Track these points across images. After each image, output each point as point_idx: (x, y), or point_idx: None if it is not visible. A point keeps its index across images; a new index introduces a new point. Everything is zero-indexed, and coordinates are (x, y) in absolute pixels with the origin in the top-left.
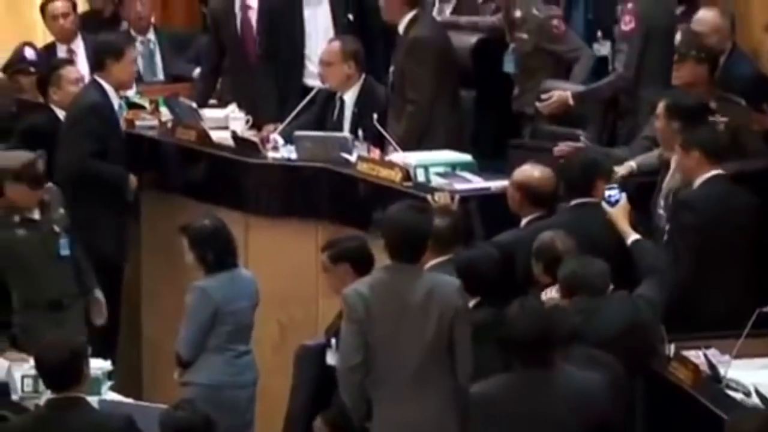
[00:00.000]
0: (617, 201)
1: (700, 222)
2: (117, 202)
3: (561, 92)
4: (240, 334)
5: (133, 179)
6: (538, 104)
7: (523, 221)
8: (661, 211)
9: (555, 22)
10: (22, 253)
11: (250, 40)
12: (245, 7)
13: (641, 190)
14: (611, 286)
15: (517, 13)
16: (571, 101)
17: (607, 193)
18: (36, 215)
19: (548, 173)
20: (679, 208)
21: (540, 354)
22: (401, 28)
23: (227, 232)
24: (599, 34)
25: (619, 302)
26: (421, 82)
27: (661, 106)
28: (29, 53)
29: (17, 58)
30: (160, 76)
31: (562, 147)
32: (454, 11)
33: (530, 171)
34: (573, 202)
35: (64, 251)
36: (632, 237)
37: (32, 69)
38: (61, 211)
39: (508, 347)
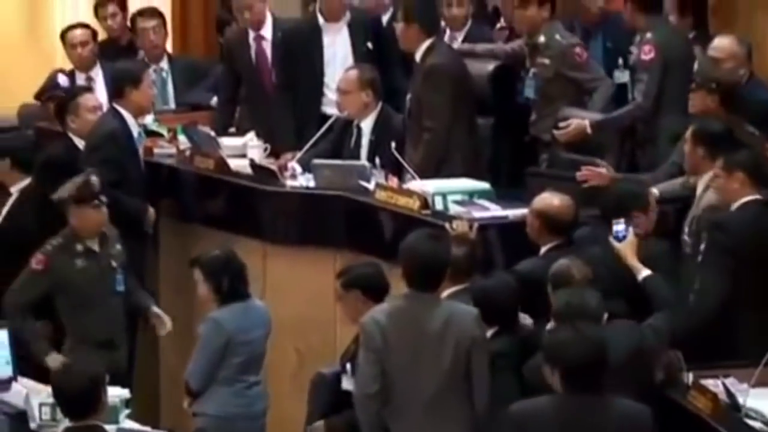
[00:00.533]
0: (624, 237)
1: (734, 243)
2: (135, 232)
3: (579, 120)
4: (252, 364)
5: (151, 212)
6: (555, 132)
7: (542, 249)
8: (685, 237)
9: (577, 49)
10: (79, 284)
11: (265, 71)
12: (259, 38)
13: (665, 217)
14: (605, 315)
15: (541, 39)
16: (589, 130)
17: (614, 228)
18: (96, 247)
19: (568, 202)
20: (714, 230)
21: (590, 379)
22: (418, 57)
23: (239, 262)
24: (620, 61)
25: (623, 329)
26: (437, 110)
27: (689, 132)
28: (62, 80)
29: (50, 84)
30: (172, 104)
31: (585, 172)
32: (465, 40)
33: (550, 199)
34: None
35: (120, 287)
36: (643, 273)
37: (64, 95)
38: (118, 247)
39: (559, 371)
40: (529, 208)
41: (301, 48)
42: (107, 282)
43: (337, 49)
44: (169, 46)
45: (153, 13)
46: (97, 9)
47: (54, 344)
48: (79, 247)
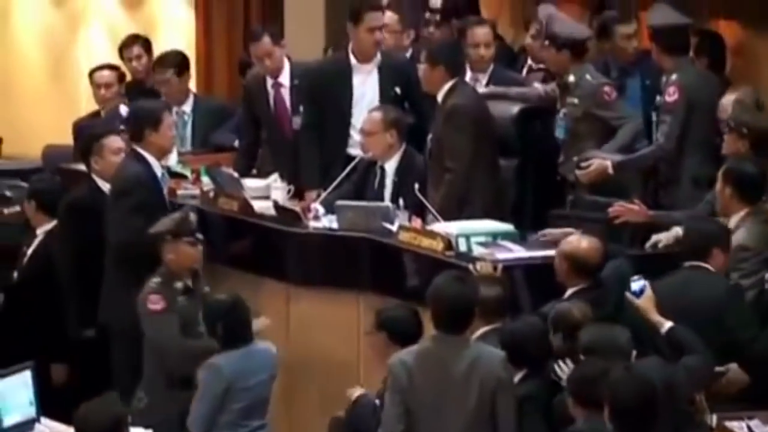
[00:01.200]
0: (642, 291)
1: None
2: None
3: (600, 161)
4: (255, 409)
5: None
6: (578, 172)
7: (569, 291)
8: None
9: (606, 88)
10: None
11: (284, 117)
12: (277, 86)
13: None
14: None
15: (570, 78)
16: (610, 170)
17: (632, 284)
18: (190, 283)
19: (596, 244)
20: None
21: (643, 420)
22: (440, 98)
23: (240, 308)
24: (657, 99)
25: (654, 365)
26: (458, 151)
27: (721, 171)
28: (124, 110)
29: (113, 116)
30: (188, 146)
31: (617, 207)
32: (489, 82)
33: (578, 242)
34: (686, 264)
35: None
36: (666, 326)
37: (122, 127)
38: (207, 288)
39: (610, 412)
40: (558, 250)
41: (330, 87)
42: (198, 320)
43: (366, 91)
44: (193, 86)
45: (167, 62)
46: (122, 50)
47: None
48: (179, 285)
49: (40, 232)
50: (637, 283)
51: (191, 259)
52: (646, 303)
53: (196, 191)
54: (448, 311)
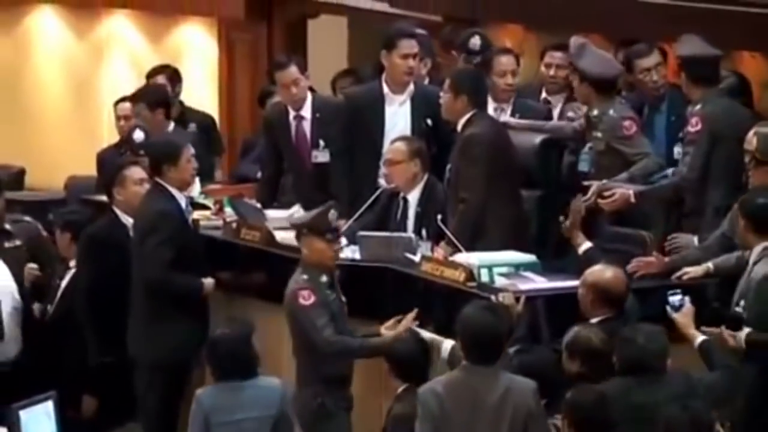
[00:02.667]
0: (681, 306)
1: None
2: (188, 307)
3: (623, 190)
4: None
5: (208, 283)
6: (600, 201)
7: (592, 321)
8: (739, 309)
9: (626, 123)
10: (333, 317)
11: (304, 150)
12: (299, 118)
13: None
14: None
15: (595, 112)
16: (633, 199)
17: (670, 298)
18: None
19: (620, 274)
20: None
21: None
22: (459, 127)
23: (240, 343)
24: (683, 131)
25: (678, 379)
26: (473, 181)
27: (737, 203)
28: (138, 135)
29: (126, 139)
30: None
31: (635, 264)
32: (513, 112)
33: (602, 272)
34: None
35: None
36: (699, 339)
37: (141, 152)
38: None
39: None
40: (582, 280)
41: (362, 116)
42: (345, 315)
43: (398, 121)
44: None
45: (139, 97)
46: (148, 80)
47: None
48: (324, 279)
49: (74, 264)
50: (676, 298)
51: (322, 255)
52: (685, 318)
53: (219, 222)
54: (478, 342)
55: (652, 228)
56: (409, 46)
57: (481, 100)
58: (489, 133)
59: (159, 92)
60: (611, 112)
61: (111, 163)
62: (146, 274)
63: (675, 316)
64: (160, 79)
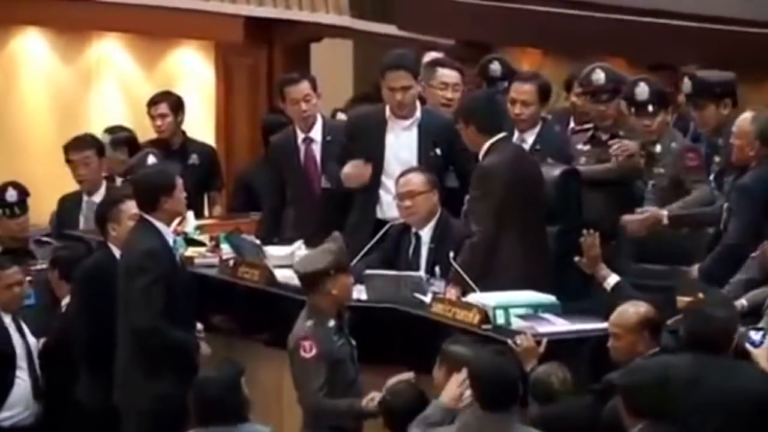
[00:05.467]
0: (761, 343)
1: None
2: (183, 358)
3: (657, 210)
4: None
5: (203, 348)
6: (626, 218)
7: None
8: None
9: (690, 154)
10: (343, 364)
11: (313, 174)
12: (308, 140)
13: None
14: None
15: (657, 149)
16: (665, 221)
17: (751, 334)
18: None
19: (653, 308)
20: None
21: None
22: (480, 156)
23: (227, 385)
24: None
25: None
26: (483, 213)
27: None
28: (150, 160)
29: (137, 163)
30: None
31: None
32: (536, 142)
33: (636, 306)
34: None
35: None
36: None
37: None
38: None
39: None
40: (613, 319)
41: (361, 141)
42: (354, 358)
43: (401, 150)
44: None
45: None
46: (149, 107)
47: None
48: (331, 324)
49: (65, 304)
50: (757, 334)
51: (350, 291)
52: (764, 353)
53: (215, 260)
54: (491, 388)
55: (692, 264)
56: (393, 78)
57: (493, 126)
58: (503, 163)
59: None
60: (673, 144)
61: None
62: (135, 322)
63: (754, 351)
64: (162, 108)
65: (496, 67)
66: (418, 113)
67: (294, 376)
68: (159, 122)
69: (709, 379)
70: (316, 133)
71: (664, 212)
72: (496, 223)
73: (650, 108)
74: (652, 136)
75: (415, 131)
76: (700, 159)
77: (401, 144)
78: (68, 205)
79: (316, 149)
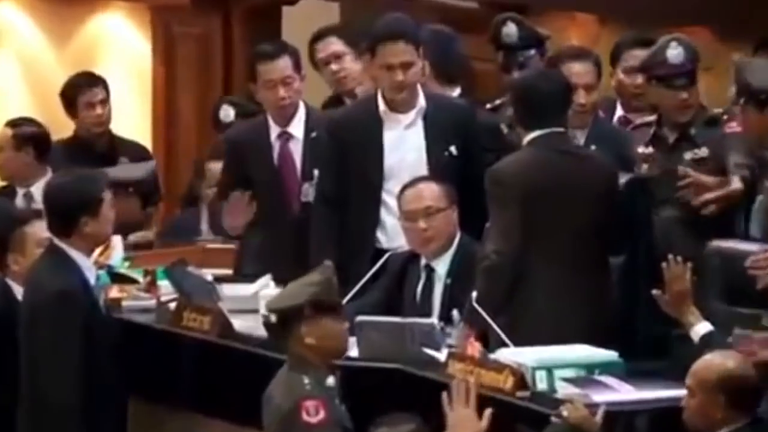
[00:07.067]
0: None
1: None
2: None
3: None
4: None
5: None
6: (754, 271)
7: None
8: None
9: None
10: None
11: (291, 181)
12: (286, 137)
13: None
14: None
15: None
16: (738, 184)
17: None
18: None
19: (747, 362)
20: None
21: None
22: None
23: None
24: None
25: None
26: (497, 228)
27: None
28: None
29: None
30: None
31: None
32: (588, 141)
33: (722, 361)
34: None
35: None
36: None
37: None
38: None
39: None
40: (690, 377)
41: (353, 146)
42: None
43: (405, 152)
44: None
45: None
46: (64, 96)
47: None
48: (330, 381)
49: None
50: None
51: (341, 339)
52: None
53: (151, 302)
54: None
55: None
56: (393, 51)
57: (531, 119)
58: (518, 164)
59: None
60: None
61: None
62: (43, 394)
63: None
64: (101, 93)
65: (510, 30)
66: (422, 101)
67: None
68: (99, 110)
69: None
70: (297, 126)
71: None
72: (518, 243)
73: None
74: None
75: (420, 126)
76: None
77: (404, 145)
78: None
79: (296, 149)
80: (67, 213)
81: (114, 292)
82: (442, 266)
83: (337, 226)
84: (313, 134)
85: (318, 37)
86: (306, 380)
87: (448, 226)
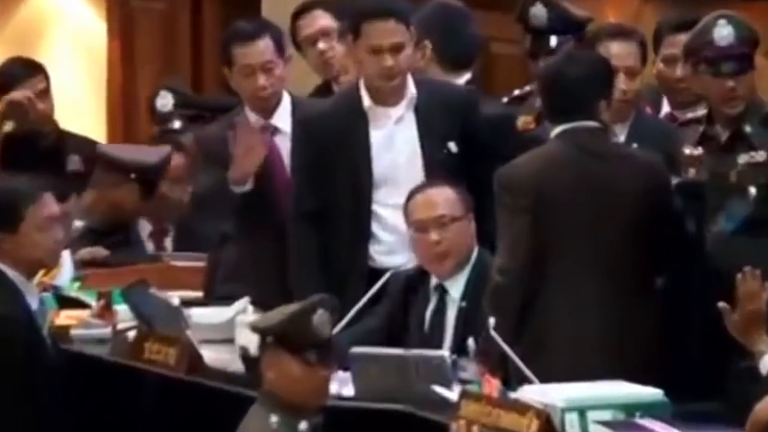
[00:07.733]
0: None
1: None
2: None
3: None
4: None
5: None
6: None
7: None
8: None
9: None
10: None
11: (278, 182)
12: (269, 130)
13: None
14: None
15: None
16: None
17: None
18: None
19: None
20: None
21: None
22: None
23: None
24: None
25: None
26: (507, 243)
27: None
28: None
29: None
30: None
31: None
32: (629, 137)
33: None
34: None
35: None
36: None
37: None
38: None
39: None
40: (752, 420)
41: (336, 148)
42: None
43: (398, 151)
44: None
45: None
46: (21, 81)
47: None
48: (303, 426)
49: None
50: None
51: (298, 387)
52: None
53: (106, 330)
54: None
55: None
56: (380, 31)
57: (555, 110)
58: (532, 164)
59: None
60: None
61: None
62: None
63: None
64: (42, 82)
65: (539, 11)
66: (411, 89)
67: None
68: (42, 105)
69: None
70: (282, 118)
71: None
72: (526, 259)
73: None
74: None
75: (412, 119)
76: None
77: (396, 143)
78: None
79: (283, 144)
80: None
81: (61, 318)
82: (456, 286)
83: (321, 245)
84: (301, 128)
85: (302, 10)
86: (273, 419)
87: (464, 238)
